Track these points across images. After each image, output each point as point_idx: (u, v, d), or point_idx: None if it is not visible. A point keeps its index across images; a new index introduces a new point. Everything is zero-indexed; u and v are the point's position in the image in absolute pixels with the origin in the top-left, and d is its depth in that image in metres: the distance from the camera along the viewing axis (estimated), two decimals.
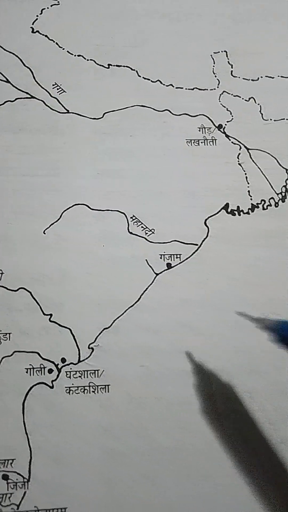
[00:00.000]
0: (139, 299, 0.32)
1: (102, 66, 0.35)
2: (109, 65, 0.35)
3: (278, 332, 0.27)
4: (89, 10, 0.35)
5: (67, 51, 0.34)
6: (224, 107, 0.35)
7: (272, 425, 0.30)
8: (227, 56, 0.36)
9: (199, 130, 0.34)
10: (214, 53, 0.36)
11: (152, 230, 0.33)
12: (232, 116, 0.35)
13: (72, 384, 0.30)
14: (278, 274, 0.33)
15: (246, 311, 0.32)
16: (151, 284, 0.32)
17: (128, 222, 0.33)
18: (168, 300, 0.32)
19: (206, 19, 0.36)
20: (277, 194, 0.34)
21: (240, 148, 0.34)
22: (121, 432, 0.30)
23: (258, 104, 0.35)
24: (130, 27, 0.35)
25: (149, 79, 0.35)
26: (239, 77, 0.36)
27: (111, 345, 0.31)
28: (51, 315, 0.31)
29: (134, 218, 0.33)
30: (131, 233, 0.32)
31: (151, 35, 0.35)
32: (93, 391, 0.30)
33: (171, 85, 0.35)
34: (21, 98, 0.33)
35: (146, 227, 0.33)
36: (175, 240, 0.33)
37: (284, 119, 0.35)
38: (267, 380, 0.31)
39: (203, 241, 0.33)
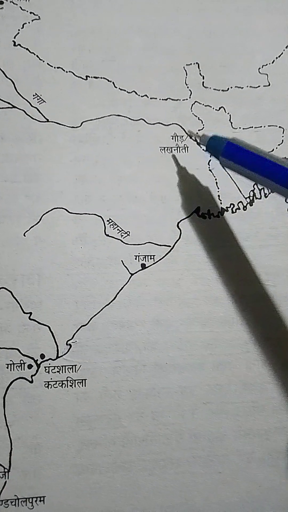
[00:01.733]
0: (114, 297, 0.33)
1: (80, 77, 0.36)
2: (87, 76, 0.37)
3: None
4: (68, 25, 0.37)
5: (47, 63, 0.36)
6: (196, 116, 0.37)
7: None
8: (199, 68, 0.38)
9: (172, 138, 0.36)
10: (186, 65, 0.38)
11: (128, 233, 0.35)
12: (203, 124, 0.37)
13: (51, 378, 0.32)
14: (247, 272, 0.35)
15: (217, 309, 0.34)
16: (126, 283, 0.34)
17: (104, 225, 0.34)
18: (142, 298, 0.34)
19: (180, 33, 0.38)
20: (245, 198, 0.36)
21: (211, 155, 0.36)
22: (97, 423, 0.31)
23: (228, 113, 0.37)
24: (107, 42, 0.37)
25: (125, 90, 0.37)
26: (210, 88, 0.38)
27: (87, 341, 0.32)
28: (30, 313, 0.32)
29: (110, 221, 0.34)
30: (107, 235, 0.34)
31: (128, 49, 0.37)
32: (70, 385, 0.32)
33: (146, 95, 0.37)
34: (2, 108, 0.35)
35: (122, 230, 0.34)
36: (149, 242, 0.35)
37: (252, 127, 0.37)
38: (235, 374, 0.33)
39: (175, 242, 0.35)
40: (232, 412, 0.32)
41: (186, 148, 0.36)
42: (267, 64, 0.39)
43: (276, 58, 0.39)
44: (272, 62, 0.39)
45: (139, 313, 0.33)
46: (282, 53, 0.39)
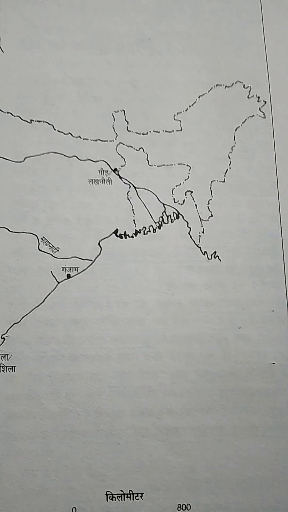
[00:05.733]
0: (43, 301, 0.41)
1: (26, 121, 0.45)
2: (31, 120, 0.45)
3: None
4: (13, 74, 0.46)
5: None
6: (119, 155, 0.45)
7: None
8: (124, 114, 0.46)
9: (99, 172, 0.45)
10: (114, 112, 0.46)
11: (57, 248, 0.43)
12: (125, 162, 0.45)
13: None
14: (152, 282, 0.43)
15: (125, 311, 0.42)
16: (53, 289, 0.42)
17: (38, 241, 0.42)
18: (65, 302, 0.42)
19: (110, 84, 0.47)
20: (155, 222, 0.44)
21: (130, 187, 0.45)
22: (21, 401, 0.39)
23: (146, 153, 0.45)
24: (49, 90, 0.46)
25: (62, 132, 0.45)
26: (132, 131, 0.46)
27: (18, 336, 0.40)
28: None
29: (43, 239, 0.43)
30: (40, 250, 0.42)
31: (65, 96, 0.46)
32: (2, 370, 0.40)
33: (79, 136, 0.45)
34: None
35: (53, 246, 0.43)
36: (74, 256, 0.43)
37: (164, 165, 0.45)
38: (136, 364, 0.41)
39: (96, 257, 0.43)
40: (131, 395, 0.40)
41: (110, 180, 0.45)
42: (181, 112, 0.47)
43: (189, 106, 0.47)
44: (186, 110, 0.47)
45: (61, 313, 0.41)
46: (194, 103, 0.47)
